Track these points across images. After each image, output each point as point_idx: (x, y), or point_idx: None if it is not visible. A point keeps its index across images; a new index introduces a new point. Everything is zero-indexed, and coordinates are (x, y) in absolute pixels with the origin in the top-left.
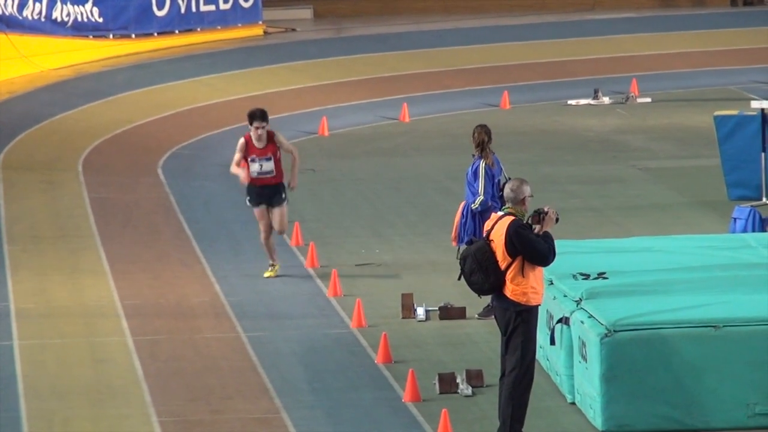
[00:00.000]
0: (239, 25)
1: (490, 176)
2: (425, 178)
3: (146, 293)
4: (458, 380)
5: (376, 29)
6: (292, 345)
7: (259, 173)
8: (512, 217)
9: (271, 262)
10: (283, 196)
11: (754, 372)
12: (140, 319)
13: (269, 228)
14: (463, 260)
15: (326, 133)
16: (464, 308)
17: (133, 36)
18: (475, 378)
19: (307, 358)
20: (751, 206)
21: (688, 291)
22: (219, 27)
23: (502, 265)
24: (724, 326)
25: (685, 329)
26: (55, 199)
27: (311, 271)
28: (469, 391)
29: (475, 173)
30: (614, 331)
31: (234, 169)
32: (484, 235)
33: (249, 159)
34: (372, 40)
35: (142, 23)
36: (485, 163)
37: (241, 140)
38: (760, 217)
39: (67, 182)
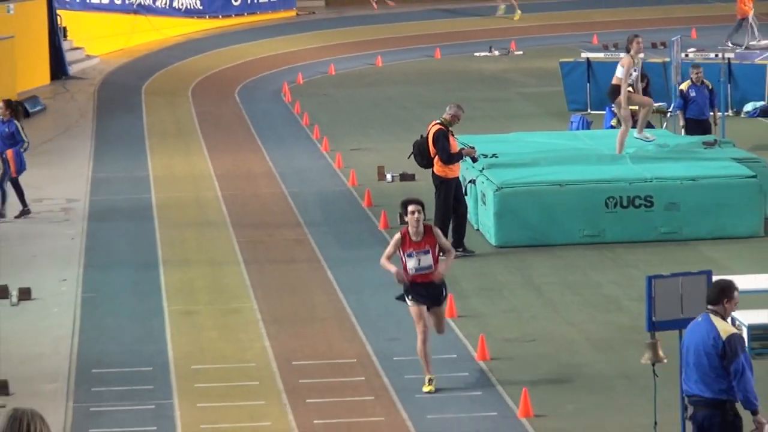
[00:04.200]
0: (281, 10)
1: None
2: (392, 100)
3: (228, 166)
4: None
5: (362, 12)
6: (314, 197)
7: (417, 269)
8: (440, 126)
9: (429, 376)
10: (444, 293)
11: (583, 212)
12: (225, 181)
13: (427, 331)
14: (413, 147)
15: (333, 73)
16: (414, 174)
17: (220, 17)
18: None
19: (323, 204)
20: (581, 115)
21: (545, 164)
22: (269, 11)
23: (432, 154)
24: (566, 185)
25: (544, 186)
26: (175, 113)
27: (325, 153)
28: None
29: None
30: (502, 187)
31: (384, 261)
32: (426, 132)
33: (406, 254)
34: (360, 18)
35: (225, 9)
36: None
37: (397, 236)
38: (586, 121)
39: (182, 103)
